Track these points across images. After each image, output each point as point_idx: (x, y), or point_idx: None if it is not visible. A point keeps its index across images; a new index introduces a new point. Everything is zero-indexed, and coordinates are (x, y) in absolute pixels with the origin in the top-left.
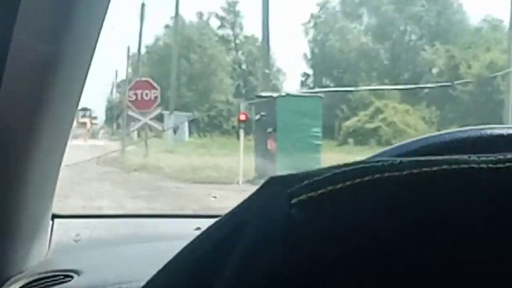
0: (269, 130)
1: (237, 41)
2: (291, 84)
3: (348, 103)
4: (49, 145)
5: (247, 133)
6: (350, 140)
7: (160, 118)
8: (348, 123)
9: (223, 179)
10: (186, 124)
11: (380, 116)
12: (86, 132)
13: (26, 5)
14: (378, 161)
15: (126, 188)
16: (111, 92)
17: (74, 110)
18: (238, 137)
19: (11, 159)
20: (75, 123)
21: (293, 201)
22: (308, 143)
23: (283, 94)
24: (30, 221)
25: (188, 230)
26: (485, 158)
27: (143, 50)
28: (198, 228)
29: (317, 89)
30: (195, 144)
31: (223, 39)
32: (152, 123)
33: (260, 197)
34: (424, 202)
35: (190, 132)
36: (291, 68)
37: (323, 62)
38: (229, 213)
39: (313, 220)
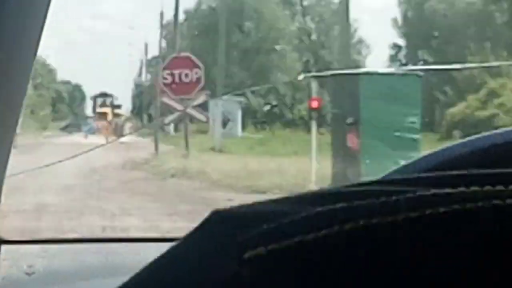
0: (349, 121)
1: (305, 3)
2: (377, 59)
3: (454, 84)
4: None
5: (319, 125)
6: (456, 132)
7: (204, 106)
8: (453, 110)
9: (290, 187)
10: (239, 113)
11: (496, 101)
12: (107, 126)
13: None
14: (372, 193)
15: (161, 201)
16: (140, 73)
17: (15, 121)
18: (308, 130)
19: None
20: (91, 113)
21: (246, 255)
22: (402, 137)
23: (369, 72)
24: None
25: None
26: (493, 190)
27: (181, 17)
28: None
29: (412, 67)
30: (251, 140)
31: (286, 1)
32: (194, 112)
33: (200, 247)
34: (425, 262)
35: (244, 125)
36: (377, 38)
37: (419, 30)
38: (162, 261)
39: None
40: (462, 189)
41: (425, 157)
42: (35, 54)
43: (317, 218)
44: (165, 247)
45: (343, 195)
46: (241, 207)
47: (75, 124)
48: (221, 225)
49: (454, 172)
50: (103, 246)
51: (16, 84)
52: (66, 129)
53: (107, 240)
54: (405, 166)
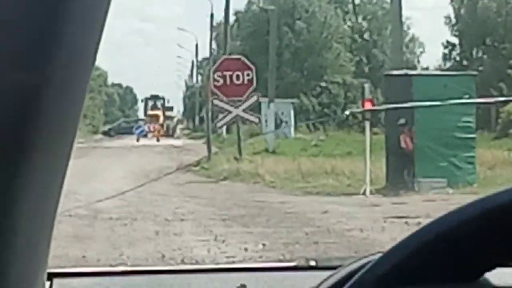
0: (401, 121)
1: (357, 1)
2: (430, 58)
3: (509, 81)
4: (43, 181)
5: (373, 125)
6: None
7: (256, 108)
8: (509, 107)
9: (344, 188)
10: (292, 114)
11: None
12: (158, 128)
13: None
14: None
15: (214, 204)
16: (191, 75)
17: (73, 138)
18: (361, 130)
19: None
20: (142, 115)
21: None
22: (457, 137)
23: (423, 72)
24: (19, 281)
25: None
26: None
27: (231, 18)
28: (243, 286)
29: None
30: (304, 142)
31: (338, 0)
32: (246, 115)
33: None
34: None
35: (297, 126)
36: (430, 37)
37: (473, 28)
38: None
39: None
40: None
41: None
42: (94, 58)
43: None
44: (215, 277)
45: None
46: None
47: (117, 128)
48: None
49: None
50: (155, 278)
51: (75, 89)
52: (108, 133)
53: (159, 271)
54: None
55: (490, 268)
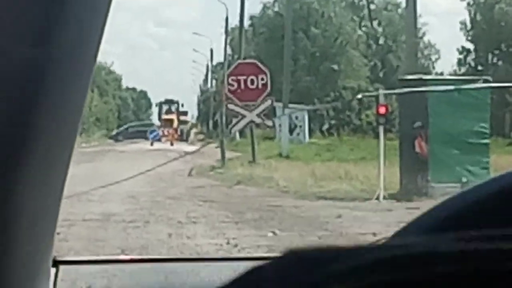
0: (417, 124)
1: (372, 7)
2: (445, 64)
3: None
4: (47, 169)
5: (388, 130)
6: None
7: (271, 113)
8: None
9: (357, 193)
10: (306, 119)
11: None
12: (172, 132)
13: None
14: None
15: (227, 208)
16: (205, 79)
17: (76, 125)
18: (375, 136)
19: None
20: (156, 119)
21: None
22: (472, 142)
23: (437, 77)
24: (24, 268)
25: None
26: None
27: (246, 23)
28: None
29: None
30: (318, 146)
31: (353, 5)
32: (259, 119)
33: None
34: None
35: (311, 131)
36: (446, 42)
37: (488, 33)
38: None
39: None
40: None
41: (452, 199)
42: (95, 56)
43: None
44: (225, 266)
45: (403, 247)
46: (313, 249)
47: (125, 133)
48: (297, 265)
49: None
50: (163, 266)
51: (76, 86)
52: (116, 137)
53: (166, 260)
54: (432, 210)
55: None
